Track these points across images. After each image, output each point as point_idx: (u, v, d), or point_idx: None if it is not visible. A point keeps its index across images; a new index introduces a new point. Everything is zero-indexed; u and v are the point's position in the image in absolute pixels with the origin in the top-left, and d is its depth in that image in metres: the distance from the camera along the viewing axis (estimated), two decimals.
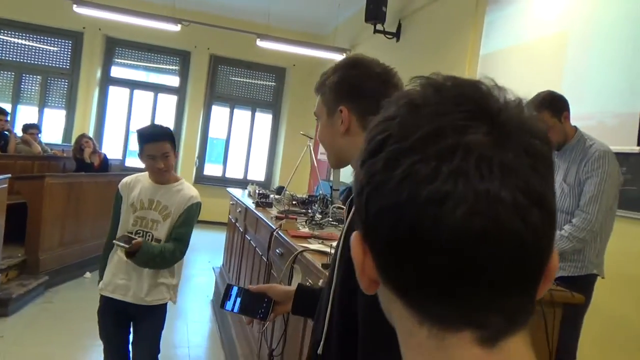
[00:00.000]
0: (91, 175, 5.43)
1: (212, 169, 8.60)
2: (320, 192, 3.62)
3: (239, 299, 1.27)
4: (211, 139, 8.79)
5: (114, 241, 2.24)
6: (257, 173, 8.69)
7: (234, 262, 4.16)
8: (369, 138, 0.40)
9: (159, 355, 2.39)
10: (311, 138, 4.13)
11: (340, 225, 2.87)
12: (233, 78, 8.54)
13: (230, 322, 3.60)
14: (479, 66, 4.27)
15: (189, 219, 2.36)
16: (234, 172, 8.52)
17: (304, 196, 3.95)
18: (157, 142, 2.26)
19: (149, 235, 2.31)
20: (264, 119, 8.76)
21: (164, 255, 2.25)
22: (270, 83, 8.68)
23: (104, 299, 2.34)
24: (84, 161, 5.61)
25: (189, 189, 2.41)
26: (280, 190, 4.19)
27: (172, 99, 8.41)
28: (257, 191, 4.02)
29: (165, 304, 2.37)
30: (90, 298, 4.55)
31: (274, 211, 3.30)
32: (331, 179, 4.34)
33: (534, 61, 3.65)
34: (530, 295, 0.37)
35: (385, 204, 0.37)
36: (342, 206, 3.20)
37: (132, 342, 2.37)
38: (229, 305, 1.27)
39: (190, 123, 8.28)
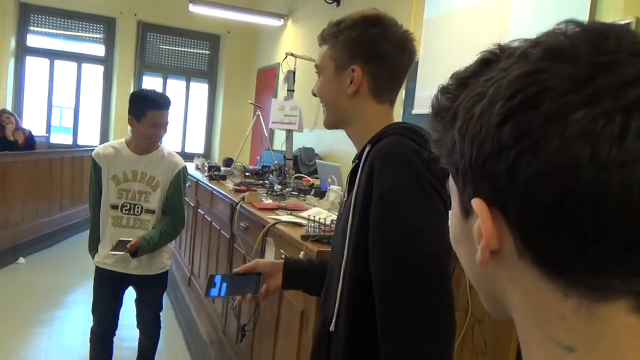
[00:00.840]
0: (17, 154, 5.02)
1: None
2: (275, 162, 3.56)
3: (224, 285, 1.22)
4: None
5: (110, 252, 2.20)
6: (196, 145, 8.41)
7: (185, 238, 4.04)
8: (505, 94, 0.35)
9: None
10: (260, 106, 4.02)
11: (302, 196, 2.84)
12: (164, 46, 8.11)
13: (188, 302, 3.51)
14: (423, 31, 4.31)
15: (179, 187, 2.38)
16: (171, 144, 8.18)
17: (257, 167, 3.88)
18: (163, 109, 2.22)
19: (138, 207, 2.31)
20: (200, 89, 8.44)
21: (166, 234, 2.30)
22: (204, 51, 8.34)
23: (103, 271, 2.34)
24: (7, 139, 5.17)
25: (171, 156, 2.38)
26: (228, 162, 4.08)
27: (99, 70, 7.88)
28: (206, 164, 3.89)
29: (167, 270, 2.44)
30: (28, 285, 4.27)
31: (229, 184, 3.21)
32: (282, 148, 4.27)
33: (478, 25, 3.73)
34: None
35: (552, 166, 0.32)
36: (304, 175, 3.16)
37: (138, 305, 2.45)
38: (214, 292, 1.22)
39: (120, 95, 7.81)
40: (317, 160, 3.52)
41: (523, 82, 0.34)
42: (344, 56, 0.98)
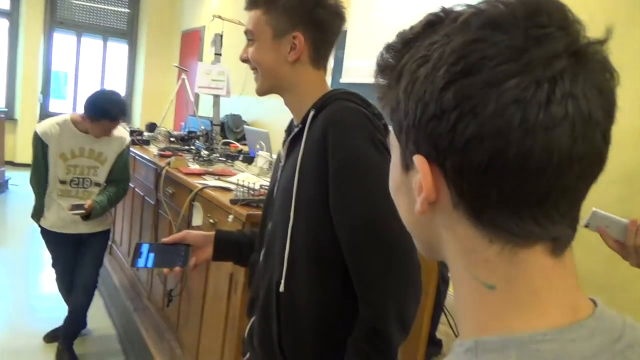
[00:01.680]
0: None
1: (58, 106, 7.70)
2: (202, 127, 3.49)
3: (151, 255, 1.19)
4: (56, 73, 7.81)
5: (71, 213, 2.31)
6: None
7: None
8: (449, 60, 0.38)
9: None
10: (185, 70, 3.89)
11: (229, 161, 2.83)
12: (77, 1, 7.56)
13: (109, 270, 3.42)
14: (352, 0, 4.35)
15: (126, 161, 2.51)
16: None
17: (182, 133, 3.78)
18: (119, 120, 2.34)
19: (87, 181, 2.45)
20: (119, 49, 7.99)
21: (111, 201, 2.46)
22: (123, 9, 7.86)
23: (56, 235, 2.48)
24: None
25: (118, 131, 2.46)
26: (152, 127, 3.95)
27: (3, 24, 7.22)
28: (127, 129, 3.73)
29: (109, 228, 2.61)
30: None
31: (153, 149, 3.12)
32: (208, 114, 4.19)
33: None
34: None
35: (488, 129, 0.36)
36: (232, 141, 3.14)
37: (81, 262, 2.54)
38: (140, 262, 1.18)
39: (28, 53, 7.22)
40: (245, 127, 3.49)
41: (465, 50, 0.37)
42: (284, 23, 0.97)
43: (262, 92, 1.06)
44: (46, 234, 2.52)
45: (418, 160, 0.40)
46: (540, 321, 0.39)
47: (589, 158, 0.37)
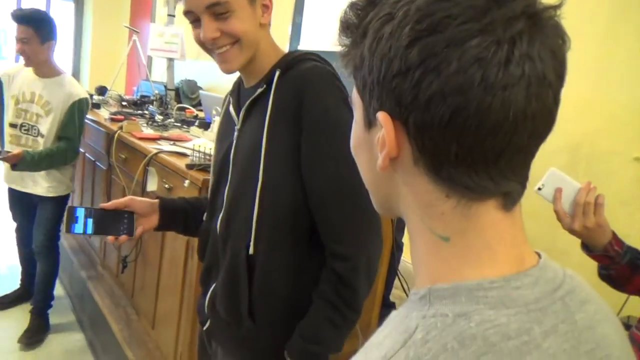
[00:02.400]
0: None
1: None
2: (156, 92, 3.39)
3: (89, 220, 1.08)
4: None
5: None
6: None
7: None
8: (414, 18, 0.39)
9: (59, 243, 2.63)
10: (137, 31, 3.75)
11: (184, 127, 2.78)
12: None
13: (60, 239, 3.32)
14: None
15: (73, 116, 2.40)
16: None
17: (134, 97, 3.67)
18: (18, 23, 2.22)
19: (35, 129, 2.38)
20: (64, 7, 7.56)
21: (52, 156, 2.31)
22: None
23: (8, 190, 2.52)
24: None
25: (70, 85, 2.40)
26: (102, 90, 3.80)
27: None
28: None
29: (66, 195, 2.52)
30: None
31: (104, 113, 3.01)
32: (161, 79, 4.07)
33: None
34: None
35: (450, 87, 0.37)
36: (188, 106, 3.07)
37: (33, 227, 2.54)
38: (78, 228, 1.07)
39: None
40: (201, 92, 3.41)
41: (430, 9, 0.38)
42: None
43: (239, 66, 0.99)
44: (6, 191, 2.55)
45: (382, 116, 0.41)
46: (489, 271, 0.41)
47: (541, 117, 0.39)
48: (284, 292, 1.01)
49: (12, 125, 2.40)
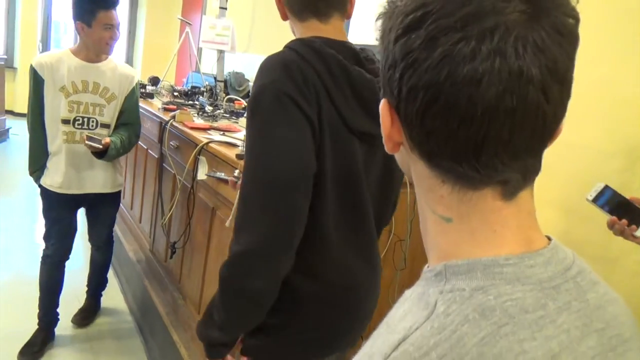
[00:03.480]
0: None
1: None
2: (206, 83, 3.47)
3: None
4: (56, 22, 7.67)
5: (86, 142, 2.06)
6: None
7: None
8: (404, 12, 0.41)
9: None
10: (189, 23, 3.84)
11: (233, 118, 2.84)
12: None
13: None
14: None
15: (137, 100, 2.33)
16: None
17: (185, 88, 3.76)
18: (114, 8, 2.09)
19: (93, 121, 2.21)
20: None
21: (125, 145, 2.25)
22: None
23: (58, 197, 2.24)
24: None
25: (124, 67, 2.29)
26: (155, 80, 3.92)
27: None
28: None
29: (120, 190, 2.45)
30: None
31: (157, 103, 3.11)
32: (210, 71, 4.15)
33: None
34: (540, 156, 0.44)
35: (423, 82, 0.39)
36: (237, 98, 3.13)
37: (92, 224, 2.47)
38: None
39: (27, 1, 7.09)
40: (250, 83, 3.47)
41: (414, 5, 0.40)
42: None
43: None
44: (47, 195, 2.23)
45: (382, 103, 0.45)
46: (498, 250, 0.42)
47: (525, 113, 0.38)
48: None
49: (65, 122, 2.16)
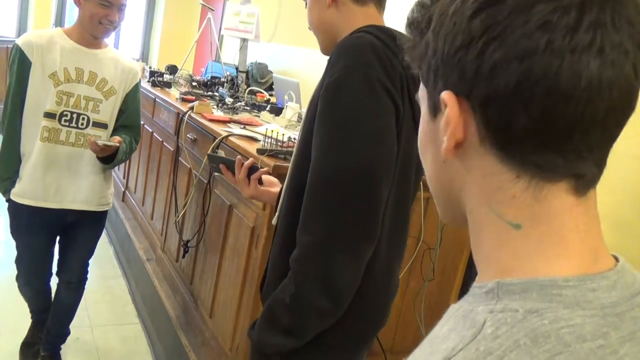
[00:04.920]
0: None
1: None
2: (227, 73, 3.54)
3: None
4: (71, 3, 7.89)
5: (101, 142, 1.87)
6: (131, 47, 8.10)
7: None
8: None
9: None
10: (212, 9, 3.92)
11: (255, 111, 2.89)
12: None
13: (122, 218, 3.57)
14: None
15: (139, 100, 2.16)
16: None
17: (204, 78, 3.84)
18: None
19: (83, 119, 1.97)
20: None
21: (127, 152, 2.07)
22: None
23: (28, 210, 1.96)
24: None
25: (126, 59, 2.11)
26: (173, 69, 4.01)
27: None
28: (147, 69, 3.81)
29: (107, 211, 2.20)
30: None
31: (174, 92, 3.19)
32: (232, 61, 4.23)
33: None
34: (610, 148, 0.45)
35: (515, 52, 0.40)
36: (260, 90, 3.19)
37: (64, 249, 2.18)
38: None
39: None
40: (274, 75, 3.53)
41: None
42: None
43: (324, 51, 1.14)
44: (16, 211, 1.98)
45: (446, 95, 0.44)
46: (563, 263, 0.42)
47: (619, 88, 0.40)
48: (278, 273, 1.07)
49: (49, 115, 1.91)
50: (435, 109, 0.47)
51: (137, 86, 2.13)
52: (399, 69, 0.96)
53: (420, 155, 0.53)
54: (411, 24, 0.49)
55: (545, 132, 0.41)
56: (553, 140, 0.41)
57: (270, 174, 1.48)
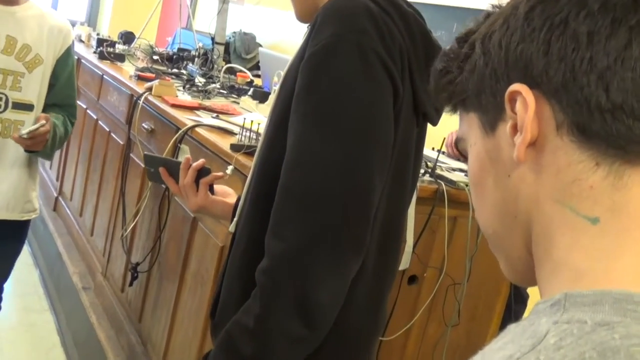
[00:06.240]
0: None
1: None
2: (200, 44, 3.62)
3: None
4: None
5: (22, 134, 1.91)
6: (74, 8, 8.20)
7: None
8: None
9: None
10: None
11: (233, 96, 2.96)
12: None
13: (51, 232, 3.63)
14: None
15: (72, 69, 2.20)
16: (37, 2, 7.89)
17: (169, 50, 3.92)
18: None
19: (0, 99, 2.02)
20: None
21: (61, 136, 2.10)
22: None
23: None
24: None
25: (54, 15, 2.14)
26: (128, 37, 4.10)
27: None
28: (94, 36, 3.90)
29: (30, 220, 2.26)
30: None
31: (129, 68, 3.27)
32: (207, 30, 4.31)
33: None
34: None
35: (582, 29, 0.52)
36: (240, 68, 3.26)
37: None
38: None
39: None
40: (261, 49, 3.61)
41: None
42: None
43: (298, 15, 1.19)
44: None
45: (515, 87, 0.54)
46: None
47: None
48: (241, 282, 1.12)
49: None
50: (493, 122, 0.58)
51: (69, 51, 2.16)
52: (399, 40, 1.02)
53: (475, 191, 0.64)
54: (447, 60, 0.63)
55: (626, 100, 0.51)
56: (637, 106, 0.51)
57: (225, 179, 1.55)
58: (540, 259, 0.57)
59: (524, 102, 0.53)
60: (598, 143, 0.52)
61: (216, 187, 1.46)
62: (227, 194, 1.48)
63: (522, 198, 0.57)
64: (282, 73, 1.13)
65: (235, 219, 1.21)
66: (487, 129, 0.59)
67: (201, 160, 1.43)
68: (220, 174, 1.46)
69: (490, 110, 0.58)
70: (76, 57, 3.70)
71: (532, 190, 0.56)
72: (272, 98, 2.72)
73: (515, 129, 0.55)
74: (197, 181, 1.42)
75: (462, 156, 0.75)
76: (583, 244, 0.52)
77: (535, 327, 0.48)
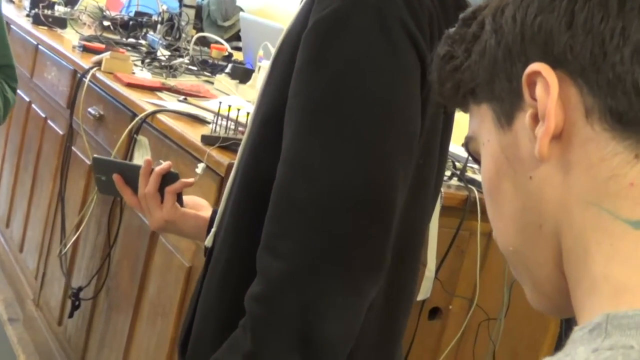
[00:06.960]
0: None
1: None
2: (163, 7, 3.62)
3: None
4: None
5: None
6: None
7: None
8: None
9: None
10: None
11: (206, 73, 2.95)
12: None
13: None
14: None
15: (3, 23, 2.29)
16: None
17: (124, 15, 3.91)
18: None
19: None
20: None
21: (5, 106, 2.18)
22: None
23: None
24: None
25: None
26: None
27: None
28: None
29: None
30: None
31: (71, 37, 3.26)
32: None
33: None
34: None
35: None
36: (216, 38, 3.25)
37: None
38: None
39: None
40: (243, 15, 3.61)
41: None
42: None
43: None
44: None
45: (534, 66, 0.55)
46: None
47: None
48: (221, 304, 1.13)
49: None
50: (510, 113, 0.59)
51: None
52: (428, 4, 1.02)
53: (490, 200, 0.65)
54: (448, 50, 0.64)
55: None
56: None
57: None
58: (574, 277, 0.57)
59: (545, 84, 0.54)
60: (637, 131, 0.53)
61: (185, 197, 1.44)
62: (200, 206, 1.47)
63: (547, 203, 0.58)
64: (276, 45, 1.11)
65: (213, 230, 1.20)
66: (502, 122, 0.60)
67: (166, 164, 1.42)
68: (191, 180, 1.45)
69: (506, 99, 0.59)
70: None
71: (559, 193, 0.57)
72: (256, 77, 2.72)
73: (536, 119, 0.55)
74: (161, 190, 1.40)
75: (474, 160, 0.73)
76: (624, 254, 0.53)
77: (571, 358, 0.49)
